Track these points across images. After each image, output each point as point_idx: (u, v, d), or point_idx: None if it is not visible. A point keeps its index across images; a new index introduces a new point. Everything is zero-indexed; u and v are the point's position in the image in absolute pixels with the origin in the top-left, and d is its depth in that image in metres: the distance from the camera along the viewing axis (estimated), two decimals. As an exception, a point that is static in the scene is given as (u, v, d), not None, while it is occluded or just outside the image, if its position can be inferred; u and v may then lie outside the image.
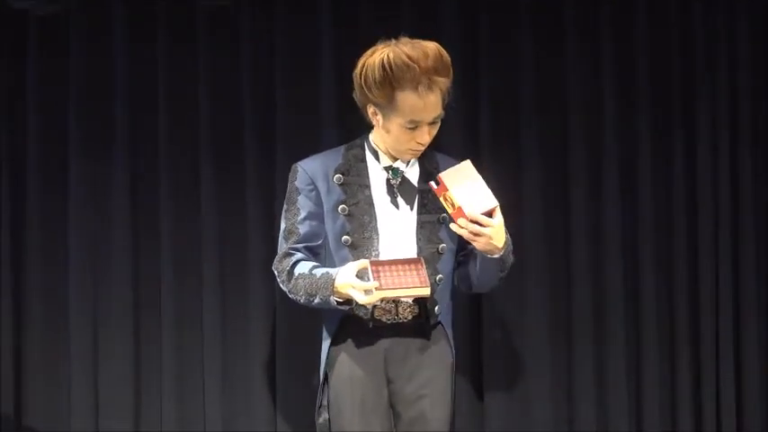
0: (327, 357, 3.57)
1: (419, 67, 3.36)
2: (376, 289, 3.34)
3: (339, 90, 4.08)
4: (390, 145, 3.54)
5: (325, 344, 3.59)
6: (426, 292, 3.39)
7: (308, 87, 4.26)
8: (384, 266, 3.39)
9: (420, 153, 3.54)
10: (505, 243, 3.48)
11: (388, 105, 3.42)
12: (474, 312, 4.26)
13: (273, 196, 4.20)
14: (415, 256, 3.49)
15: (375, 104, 3.46)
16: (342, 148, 3.63)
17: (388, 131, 3.50)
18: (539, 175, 4.30)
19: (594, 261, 4.30)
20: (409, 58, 3.36)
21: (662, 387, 4.29)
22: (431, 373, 3.56)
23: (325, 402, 3.57)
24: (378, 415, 3.54)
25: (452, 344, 3.62)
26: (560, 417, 4.27)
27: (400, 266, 3.40)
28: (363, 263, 3.39)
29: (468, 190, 3.37)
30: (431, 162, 3.64)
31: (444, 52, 3.41)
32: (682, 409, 4.29)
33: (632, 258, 4.31)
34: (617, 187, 4.30)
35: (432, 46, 3.40)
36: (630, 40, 4.32)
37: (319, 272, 3.46)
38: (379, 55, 3.39)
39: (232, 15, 4.26)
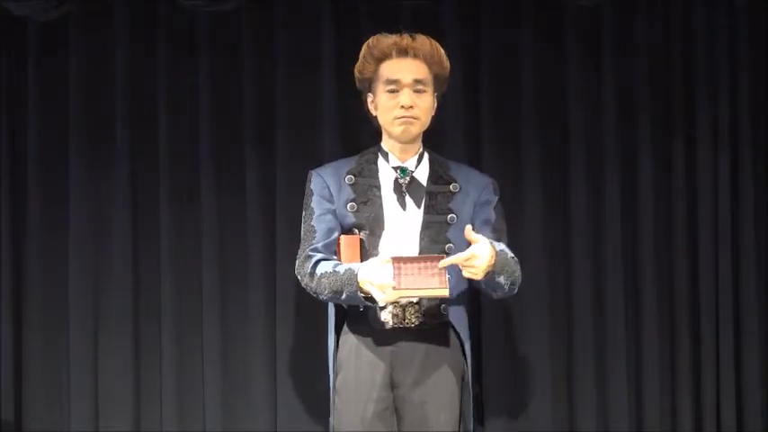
0: (334, 361, 3.62)
1: (397, 40, 3.60)
2: (393, 288, 3.37)
3: (340, 96, 4.11)
4: (383, 123, 3.63)
5: (332, 347, 3.63)
6: (445, 293, 3.41)
7: (309, 88, 4.27)
8: (406, 264, 3.40)
9: (411, 123, 3.59)
10: (492, 265, 3.46)
11: (375, 79, 3.62)
12: (474, 314, 4.24)
13: (274, 198, 4.23)
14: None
15: (369, 87, 3.64)
16: (356, 156, 3.73)
17: (378, 108, 3.63)
18: (539, 176, 4.30)
19: (594, 261, 4.30)
20: (390, 35, 3.61)
21: (662, 387, 4.28)
22: (437, 378, 3.59)
23: (332, 406, 3.61)
24: (381, 419, 3.57)
25: (467, 347, 3.63)
26: (560, 417, 4.27)
27: (422, 264, 3.40)
28: (386, 259, 3.42)
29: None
30: (441, 165, 3.70)
31: (436, 43, 3.63)
32: (682, 410, 4.28)
33: (632, 259, 4.31)
34: (617, 187, 4.29)
35: (422, 36, 3.63)
36: (631, 40, 4.32)
37: (342, 268, 3.50)
38: (365, 43, 3.66)
39: (233, 21, 4.27)
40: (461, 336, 3.63)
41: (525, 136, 4.30)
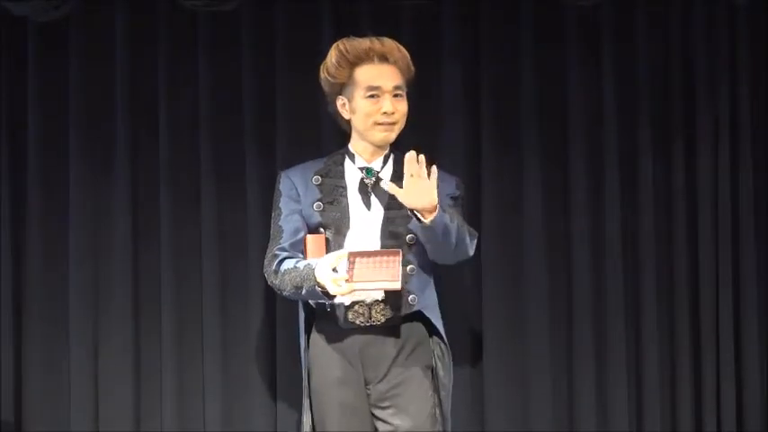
0: (306, 361, 3.68)
1: (371, 45, 3.63)
2: (346, 281, 3.43)
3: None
4: (361, 128, 3.67)
5: (303, 348, 3.69)
6: (396, 286, 3.47)
7: (309, 87, 4.25)
8: (361, 258, 3.47)
9: (392, 129, 3.66)
10: (437, 209, 3.49)
11: (350, 84, 3.65)
12: (474, 312, 4.26)
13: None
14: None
15: (340, 92, 3.68)
16: (324, 158, 3.80)
17: (355, 113, 3.67)
18: (539, 176, 4.29)
19: (594, 261, 4.29)
20: (362, 39, 3.64)
21: (662, 387, 4.28)
22: (407, 372, 3.64)
23: (307, 405, 3.66)
24: (359, 416, 3.63)
25: (443, 334, 3.67)
26: (560, 417, 4.27)
27: (377, 259, 3.47)
28: (342, 253, 3.49)
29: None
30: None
31: (402, 47, 3.67)
32: (682, 409, 4.29)
33: (632, 258, 4.31)
34: (617, 187, 4.29)
35: (388, 39, 3.66)
36: (631, 40, 4.32)
37: (302, 264, 3.57)
38: (333, 47, 3.68)
39: (233, 21, 4.26)
40: (433, 320, 3.66)
41: (525, 136, 4.30)
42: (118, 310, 4.24)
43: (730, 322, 4.28)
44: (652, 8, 4.32)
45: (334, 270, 3.47)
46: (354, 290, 3.47)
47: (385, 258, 3.46)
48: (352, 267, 3.45)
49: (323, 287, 3.48)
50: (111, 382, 4.24)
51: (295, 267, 3.58)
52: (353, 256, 3.46)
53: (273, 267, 3.65)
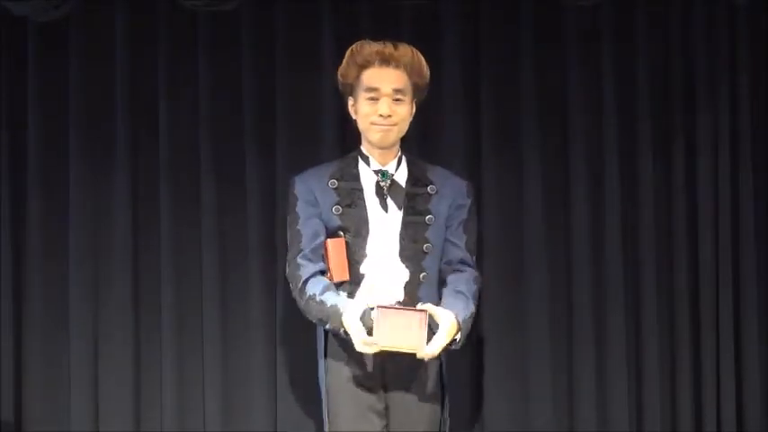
0: (325, 364, 3.68)
1: (380, 48, 3.66)
2: (374, 343, 3.46)
3: (340, 95, 4.10)
4: (362, 128, 3.72)
5: (321, 351, 3.70)
6: (419, 353, 3.49)
7: (309, 87, 4.28)
8: (389, 316, 3.47)
9: (389, 131, 3.68)
10: (457, 331, 3.58)
11: (357, 85, 3.70)
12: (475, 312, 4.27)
13: (273, 197, 4.23)
14: (405, 278, 3.62)
15: (350, 92, 3.73)
16: (336, 161, 3.83)
17: (357, 114, 3.72)
18: (539, 176, 4.30)
19: (594, 261, 4.30)
20: (374, 42, 3.66)
21: (662, 387, 4.29)
22: (422, 376, 3.66)
23: (325, 407, 3.68)
24: (375, 418, 3.63)
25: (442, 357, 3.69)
26: (560, 417, 4.27)
27: (404, 320, 3.48)
28: (371, 305, 3.50)
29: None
30: (418, 168, 3.79)
31: (418, 53, 3.70)
32: (682, 410, 4.29)
33: (632, 258, 4.31)
34: (617, 188, 4.30)
35: (404, 45, 3.70)
36: (631, 40, 4.32)
37: (329, 301, 3.58)
38: (349, 48, 3.74)
39: (233, 21, 4.26)
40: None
41: (525, 136, 4.30)
42: (118, 303, 4.24)
43: (730, 322, 4.28)
44: (652, 8, 4.32)
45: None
46: (380, 349, 3.48)
47: (412, 319, 3.47)
48: (379, 325, 3.45)
49: (348, 334, 3.51)
50: (111, 375, 4.23)
51: (321, 301, 3.58)
52: (381, 311, 3.46)
53: (299, 283, 3.65)
